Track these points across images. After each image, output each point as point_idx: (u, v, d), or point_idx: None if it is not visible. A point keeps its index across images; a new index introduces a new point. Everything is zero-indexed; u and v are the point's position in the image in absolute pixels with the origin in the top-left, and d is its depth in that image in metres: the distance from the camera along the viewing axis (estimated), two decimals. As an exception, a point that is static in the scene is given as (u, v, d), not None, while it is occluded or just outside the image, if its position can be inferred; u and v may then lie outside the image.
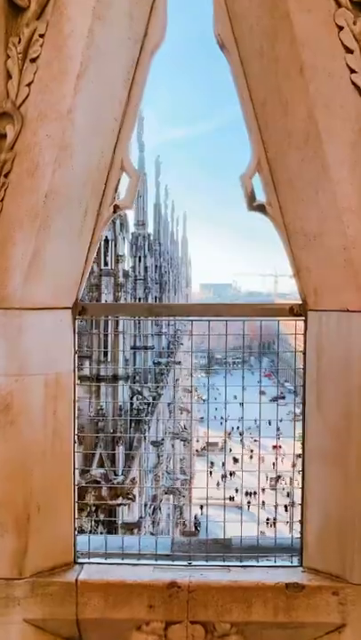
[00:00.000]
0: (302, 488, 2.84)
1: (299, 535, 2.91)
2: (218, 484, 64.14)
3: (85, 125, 2.64)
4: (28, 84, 2.57)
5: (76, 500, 3.01)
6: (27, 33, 2.56)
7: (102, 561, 2.90)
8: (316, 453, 2.78)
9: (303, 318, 2.84)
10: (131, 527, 14.29)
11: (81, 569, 2.83)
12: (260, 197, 2.85)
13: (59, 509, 2.84)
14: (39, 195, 2.55)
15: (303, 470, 2.83)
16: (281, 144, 2.69)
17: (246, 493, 55.98)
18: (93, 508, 7.51)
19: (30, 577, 2.72)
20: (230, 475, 67.13)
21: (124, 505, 9.03)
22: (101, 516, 8.19)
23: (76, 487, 2.99)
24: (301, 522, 2.86)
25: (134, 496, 11.85)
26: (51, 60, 2.56)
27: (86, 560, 2.90)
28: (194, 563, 2.90)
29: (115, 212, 2.86)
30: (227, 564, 2.89)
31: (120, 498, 8.83)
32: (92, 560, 2.90)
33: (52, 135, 2.55)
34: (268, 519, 50.82)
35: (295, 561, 2.86)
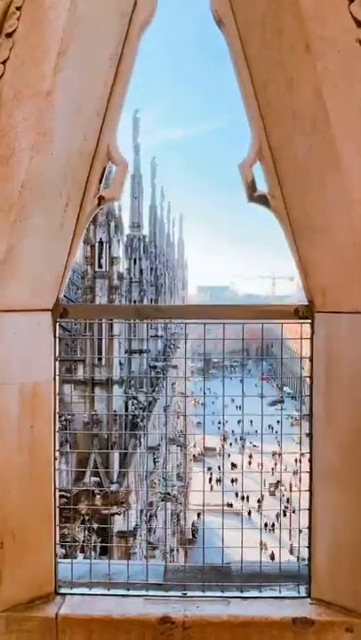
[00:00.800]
0: (309, 510, 2.56)
1: (306, 562, 2.63)
2: (212, 488, 63.81)
3: (67, 108, 2.36)
4: (4, 62, 2.28)
5: (57, 522, 2.72)
6: (2, 5, 2.29)
7: (86, 591, 2.61)
8: (326, 472, 2.50)
9: (310, 321, 2.57)
10: (126, 536, 13.98)
11: (62, 601, 2.54)
12: (262, 188, 2.58)
13: (37, 535, 2.55)
14: (15, 184, 2.27)
15: (310, 491, 2.55)
16: (285, 129, 2.43)
17: (243, 497, 55.31)
18: (87, 517, 7.22)
19: (5, 611, 2.43)
20: (232, 482, 66.10)
21: (118, 514, 8.74)
22: (95, 526, 7.88)
23: (57, 509, 2.70)
24: (309, 547, 2.58)
25: (129, 504, 11.54)
26: (28, 36, 2.28)
27: (69, 590, 2.61)
28: (189, 593, 2.62)
29: (99, 204, 2.58)
30: (226, 594, 2.60)
31: (115, 507, 8.54)
32: (74, 590, 2.61)
33: (29, 118, 2.27)
34: (266, 524, 50.30)
35: (302, 591, 2.58)
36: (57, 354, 2.66)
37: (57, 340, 2.66)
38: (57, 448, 2.67)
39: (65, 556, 6.72)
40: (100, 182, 2.55)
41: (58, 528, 2.72)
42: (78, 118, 2.45)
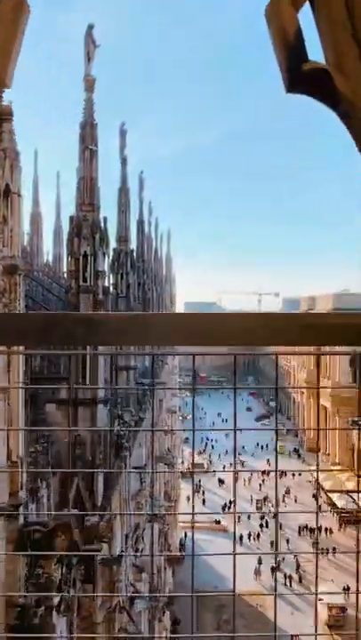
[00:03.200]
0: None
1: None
2: (204, 502, 61.59)
3: None
4: None
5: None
6: None
7: None
8: None
9: None
10: (110, 564, 13.27)
11: None
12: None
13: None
14: None
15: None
16: None
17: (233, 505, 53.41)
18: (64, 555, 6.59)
19: None
20: (228, 505, 64.27)
21: (98, 551, 8.12)
22: (74, 560, 7.25)
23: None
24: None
25: (110, 538, 10.87)
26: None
27: None
28: None
29: None
30: None
31: (96, 541, 7.94)
32: None
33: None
34: (249, 534, 48.88)
35: None
36: None
37: None
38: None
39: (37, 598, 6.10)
40: None
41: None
42: None
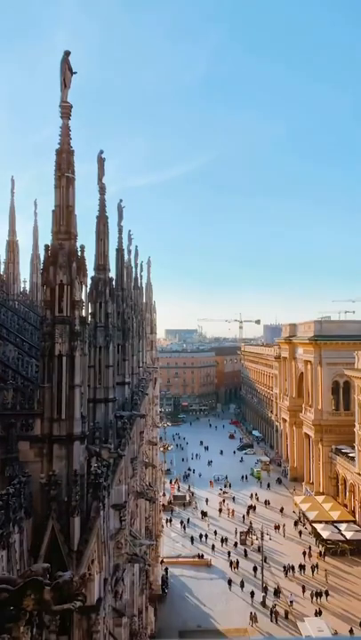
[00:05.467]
0: None
1: None
2: (193, 540, 60.65)
3: None
4: None
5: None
6: None
7: None
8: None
9: None
10: (88, 612, 12.39)
11: None
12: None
13: None
14: None
15: None
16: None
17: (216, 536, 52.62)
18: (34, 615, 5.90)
19: None
20: (203, 537, 63.66)
21: (73, 608, 7.39)
22: (47, 618, 6.52)
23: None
24: None
25: (85, 597, 10.05)
26: None
27: None
28: None
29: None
30: None
31: (69, 601, 7.22)
32: None
33: None
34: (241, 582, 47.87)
35: None
36: None
37: None
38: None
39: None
40: None
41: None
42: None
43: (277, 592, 49.98)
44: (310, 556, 57.90)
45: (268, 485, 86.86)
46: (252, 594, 49.50)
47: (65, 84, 14.06)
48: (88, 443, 14.60)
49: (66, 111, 14.26)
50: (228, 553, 59.27)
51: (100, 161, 20.83)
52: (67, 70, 14.16)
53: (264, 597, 48.70)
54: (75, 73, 14.35)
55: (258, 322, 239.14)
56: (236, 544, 61.28)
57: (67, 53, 14.21)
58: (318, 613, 45.55)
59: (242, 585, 50.83)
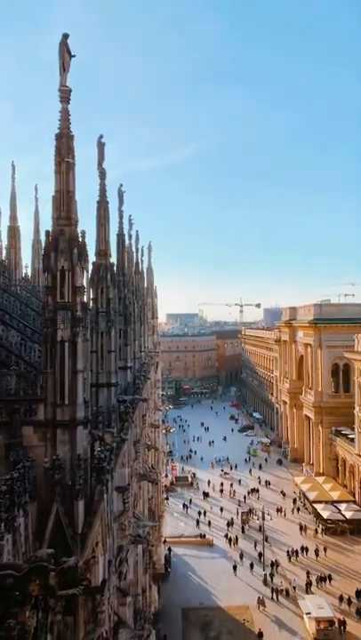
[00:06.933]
0: None
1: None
2: (199, 522, 61.89)
3: None
4: None
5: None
6: None
7: None
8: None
9: None
10: (93, 593, 12.63)
11: None
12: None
13: None
14: None
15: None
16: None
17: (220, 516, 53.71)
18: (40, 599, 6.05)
19: None
20: (200, 514, 64.98)
21: (78, 594, 7.56)
22: (52, 601, 6.68)
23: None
24: None
25: (89, 581, 10.25)
26: None
27: None
28: None
29: None
30: None
31: (73, 586, 7.39)
32: None
33: None
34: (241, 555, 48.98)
35: None
36: None
37: None
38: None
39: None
40: None
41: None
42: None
43: (276, 565, 51.22)
44: (305, 530, 59.35)
45: (266, 461, 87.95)
46: (252, 565, 50.99)
47: (64, 68, 13.89)
48: (91, 427, 14.75)
49: (65, 95, 14.11)
50: (228, 524, 60.43)
51: (100, 145, 20.67)
52: (65, 53, 13.98)
53: (265, 576, 49.53)
54: (74, 56, 14.17)
55: (258, 305, 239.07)
56: (232, 521, 62.14)
57: (65, 36, 14.01)
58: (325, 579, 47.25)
59: (251, 566, 51.77)
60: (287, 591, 47.10)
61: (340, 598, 45.18)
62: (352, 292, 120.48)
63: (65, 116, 14.17)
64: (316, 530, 60.14)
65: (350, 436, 68.01)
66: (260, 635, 40.73)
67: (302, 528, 60.22)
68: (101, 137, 20.83)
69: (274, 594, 46.58)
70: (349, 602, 44.78)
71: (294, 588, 47.48)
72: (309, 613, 41.69)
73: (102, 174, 21.64)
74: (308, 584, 47.85)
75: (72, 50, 14.14)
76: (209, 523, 62.38)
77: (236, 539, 58.10)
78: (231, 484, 75.48)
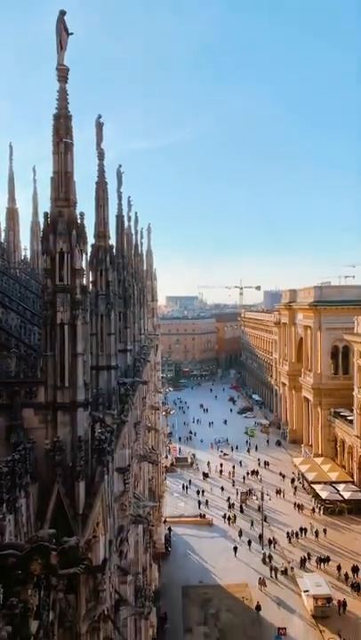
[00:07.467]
0: None
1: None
2: (202, 502, 62.63)
3: None
4: None
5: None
6: None
7: None
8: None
9: None
10: (94, 571, 12.83)
11: None
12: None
13: None
14: None
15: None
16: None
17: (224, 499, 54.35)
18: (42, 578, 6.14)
19: None
20: (198, 492, 65.87)
21: (79, 572, 7.67)
22: (54, 580, 6.78)
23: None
24: None
25: (90, 561, 10.39)
26: None
27: None
28: None
29: None
30: None
31: (75, 565, 7.49)
32: None
33: None
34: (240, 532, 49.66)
35: None
36: None
37: None
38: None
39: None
40: None
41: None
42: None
43: (274, 542, 52.12)
44: (302, 509, 60.18)
45: (268, 442, 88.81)
46: (249, 542, 51.89)
47: (61, 46, 13.66)
48: (92, 409, 14.82)
49: (63, 74, 13.89)
50: (229, 506, 61.25)
51: (99, 126, 20.42)
52: (62, 31, 13.72)
53: (264, 555, 50.26)
54: (71, 34, 13.91)
55: (258, 288, 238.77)
56: (230, 503, 62.89)
57: (62, 13, 13.73)
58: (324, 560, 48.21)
59: (249, 543, 52.59)
60: (286, 570, 47.82)
61: (338, 568, 46.28)
62: (352, 274, 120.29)
63: (63, 96, 13.96)
64: (313, 509, 60.95)
65: (349, 418, 68.45)
66: (258, 607, 41.63)
67: (299, 507, 61.15)
68: (100, 117, 20.57)
69: (273, 572, 47.32)
70: (346, 577, 45.69)
71: (292, 568, 48.18)
72: (307, 591, 42.40)
73: (101, 155, 21.42)
74: (303, 560, 48.77)
75: (69, 27, 13.88)
76: (206, 502, 63.19)
77: (235, 517, 58.96)
78: (233, 467, 76.19)
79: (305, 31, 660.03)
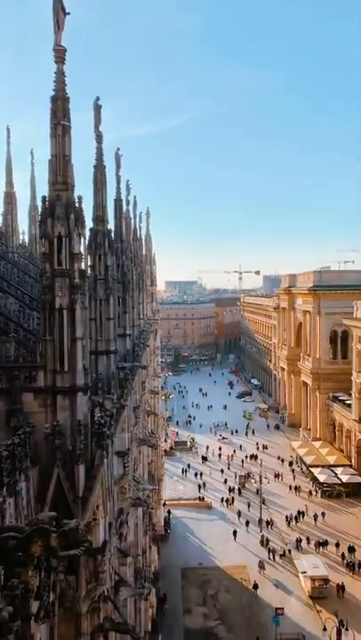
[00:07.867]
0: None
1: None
2: (202, 485, 62.97)
3: None
4: None
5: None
6: None
7: None
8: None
9: None
10: (94, 553, 12.97)
11: None
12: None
13: None
14: None
15: None
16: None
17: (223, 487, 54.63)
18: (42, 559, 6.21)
19: None
20: (197, 475, 66.26)
21: (79, 554, 7.77)
22: (54, 561, 6.87)
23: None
24: None
25: (90, 543, 10.49)
26: None
27: None
28: None
29: None
30: None
31: (74, 548, 7.59)
32: None
33: None
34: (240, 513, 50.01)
35: None
36: None
37: None
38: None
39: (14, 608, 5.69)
40: None
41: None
42: None
43: (271, 524, 52.81)
44: (299, 491, 61.02)
45: (268, 427, 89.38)
46: (247, 523, 52.65)
47: (58, 27, 13.43)
48: (91, 394, 14.87)
49: (60, 55, 13.68)
50: (230, 490, 61.88)
51: (97, 108, 20.16)
52: (60, 11, 13.49)
53: (262, 537, 50.83)
54: (68, 14, 13.67)
55: (257, 273, 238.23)
56: (228, 486, 63.49)
57: (59, -8, 13.49)
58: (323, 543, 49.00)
59: (247, 524, 53.28)
60: (284, 552, 48.40)
61: (337, 545, 47.26)
62: (352, 259, 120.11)
63: (60, 78, 13.78)
64: (310, 492, 61.57)
65: (347, 402, 68.80)
66: (256, 586, 42.34)
67: (297, 489, 61.83)
68: (98, 99, 20.31)
69: (270, 554, 47.89)
70: (343, 557, 46.39)
71: (290, 550, 48.76)
72: (305, 572, 42.96)
73: (99, 138, 21.18)
74: (299, 541, 49.42)
75: (67, 7, 13.64)
76: (204, 484, 63.83)
77: (233, 499, 59.58)
78: (234, 451, 76.72)
79: (307, 12, 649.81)
